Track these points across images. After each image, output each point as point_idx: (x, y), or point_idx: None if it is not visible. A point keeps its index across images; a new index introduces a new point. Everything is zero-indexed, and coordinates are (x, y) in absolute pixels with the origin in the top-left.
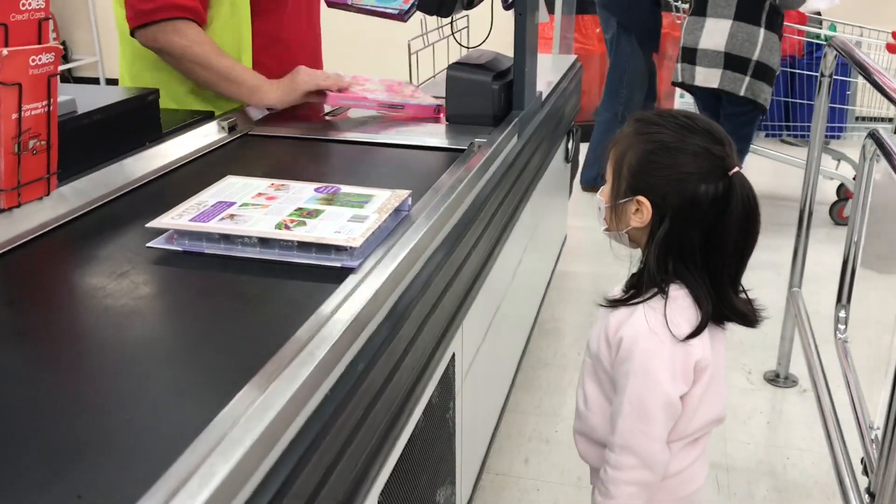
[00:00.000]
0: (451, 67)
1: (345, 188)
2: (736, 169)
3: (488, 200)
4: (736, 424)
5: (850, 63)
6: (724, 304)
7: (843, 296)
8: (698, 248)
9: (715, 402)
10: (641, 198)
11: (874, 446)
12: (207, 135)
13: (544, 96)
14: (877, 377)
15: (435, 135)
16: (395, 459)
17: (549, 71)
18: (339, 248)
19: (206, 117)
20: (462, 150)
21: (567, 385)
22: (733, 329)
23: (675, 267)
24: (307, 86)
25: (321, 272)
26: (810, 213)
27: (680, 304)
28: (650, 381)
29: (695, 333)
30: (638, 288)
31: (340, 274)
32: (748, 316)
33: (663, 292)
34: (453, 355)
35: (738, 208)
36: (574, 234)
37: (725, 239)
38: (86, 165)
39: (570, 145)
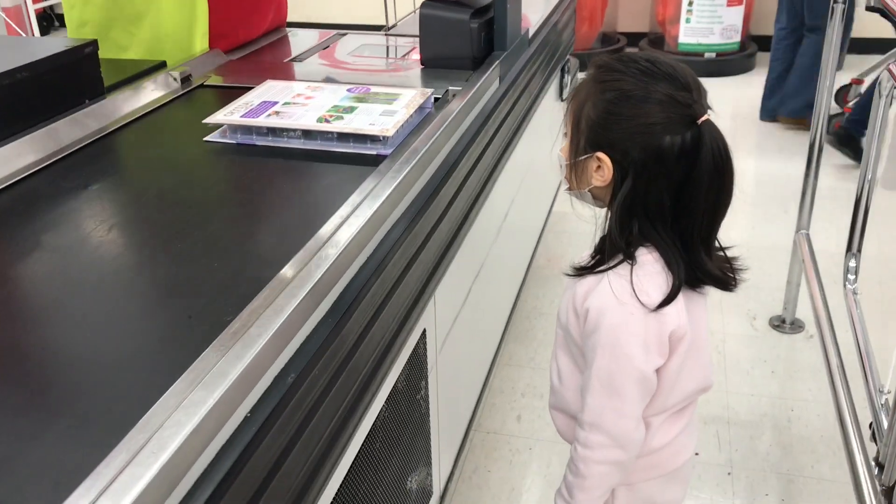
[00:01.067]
0: (425, 5)
1: (374, 88)
2: (705, 117)
3: (464, 156)
4: (738, 375)
5: None
6: (697, 268)
7: (854, 244)
8: (667, 206)
9: (697, 372)
10: (601, 154)
11: (884, 412)
12: (157, 88)
13: (532, 32)
14: (890, 327)
15: (408, 81)
16: (354, 454)
17: (539, 3)
18: (374, 138)
19: (156, 68)
20: (437, 99)
21: None
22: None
23: (642, 228)
24: None
25: (358, 158)
26: (820, 149)
27: (648, 271)
28: (620, 356)
29: (667, 301)
30: (604, 253)
31: (376, 160)
32: (723, 279)
33: (630, 257)
34: (424, 332)
35: (708, 160)
36: None
37: (696, 195)
38: (11, 131)
39: (563, 81)
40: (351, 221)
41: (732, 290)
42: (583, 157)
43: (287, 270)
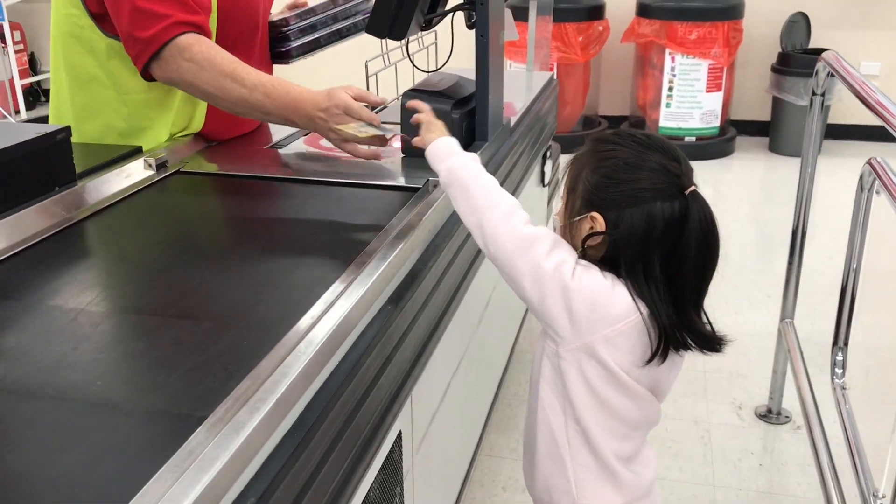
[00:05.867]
0: (407, 94)
1: None
2: (692, 188)
3: (443, 248)
4: (726, 468)
5: (838, 78)
6: (687, 327)
7: (841, 337)
8: (657, 269)
9: (651, 407)
10: (595, 213)
11: None
12: (131, 174)
13: (515, 120)
14: (881, 418)
15: (388, 171)
16: None
17: (522, 90)
18: None
19: (131, 153)
20: (417, 189)
21: None
22: (723, 362)
23: (637, 287)
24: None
25: None
26: (803, 236)
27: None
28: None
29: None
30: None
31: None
32: (712, 339)
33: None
34: (399, 434)
35: (696, 228)
36: None
37: (684, 261)
38: None
39: (545, 168)
40: (323, 323)
41: (720, 350)
42: (577, 218)
43: (248, 381)
